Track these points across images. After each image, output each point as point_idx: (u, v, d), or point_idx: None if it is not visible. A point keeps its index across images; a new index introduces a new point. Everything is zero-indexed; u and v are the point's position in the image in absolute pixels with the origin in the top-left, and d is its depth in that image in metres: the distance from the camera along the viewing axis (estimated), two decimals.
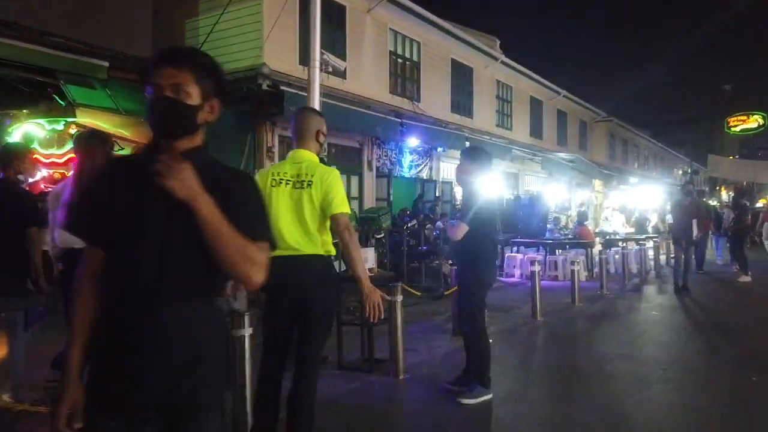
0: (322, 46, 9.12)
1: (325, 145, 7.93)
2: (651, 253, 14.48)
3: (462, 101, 16.90)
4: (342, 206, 3.11)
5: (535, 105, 21.52)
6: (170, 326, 1.59)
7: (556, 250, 12.92)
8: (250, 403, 3.48)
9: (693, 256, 11.42)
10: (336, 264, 3.40)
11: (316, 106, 7.86)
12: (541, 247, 13.30)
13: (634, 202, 21.50)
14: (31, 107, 9.02)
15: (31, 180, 7.31)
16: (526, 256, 12.42)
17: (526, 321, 7.64)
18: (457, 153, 14.14)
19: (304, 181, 3.10)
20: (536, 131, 21.49)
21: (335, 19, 12.40)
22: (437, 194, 14.93)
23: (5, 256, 3.97)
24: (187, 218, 1.57)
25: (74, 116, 8.73)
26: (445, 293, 7.71)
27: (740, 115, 35.72)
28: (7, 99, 8.77)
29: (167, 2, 11.97)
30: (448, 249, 4.58)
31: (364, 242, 9.29)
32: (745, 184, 28.92)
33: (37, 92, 8.87)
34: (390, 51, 14.11)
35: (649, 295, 10.56)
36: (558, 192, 19.54)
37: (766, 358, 5.86)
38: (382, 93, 13.55)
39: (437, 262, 10.24)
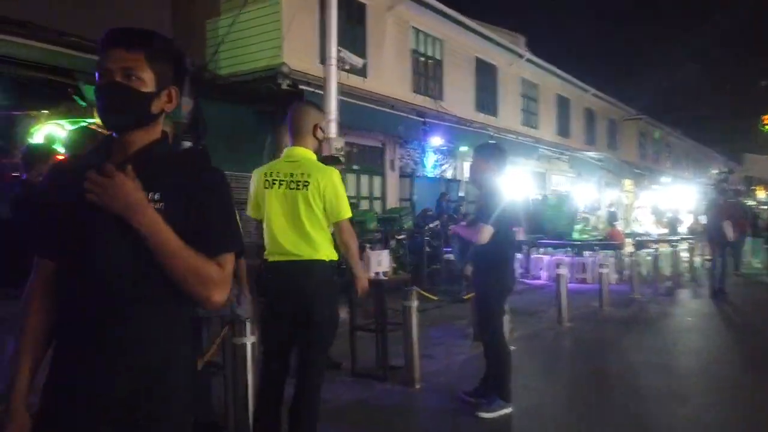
0: (342, 45, 8.96)
1: (343, 147, 7.74)
2: (685, 254, 13.92)
3: (486, 100, 16.59)
4: (345, 212, 2.92)
5: (563, 103, 21.05)
6: (122, 342, 1.40)
7: (585, 252, 12.50)
8: (251, 413, 3.28)
9: (729, 258, 10.89)
10: None
11: (333, 104, 7.69)
12: (568, 249, 12.89)
13: (666, 202, 20.87)
14: (51, 108, 9.01)
15: None
16: (552, 258, 12.03)
17: (552, 326, 7.30)
18: None
19: (299, 181, 2.87)
20: (563, 130, 21.02)
21: (356, 17, 12.23)
22: (461, 194, 14.63)
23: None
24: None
25: (92, 117, 8.69)
26: (464, 297, 7.40)
27: None
28: (27, 100, 8.76)
29: (186, 2, 11.94)
30: (469, 252, 4.26)
31: (385, 243, 9.05)
32: None
33: (57, 93, 8.85)
34: (412, 49, 13.90)
35: (683, 299, 10.10)
36: (587, 192, 19.05)
37: None
38: (405, 92, 13.34)
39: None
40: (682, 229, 16.93)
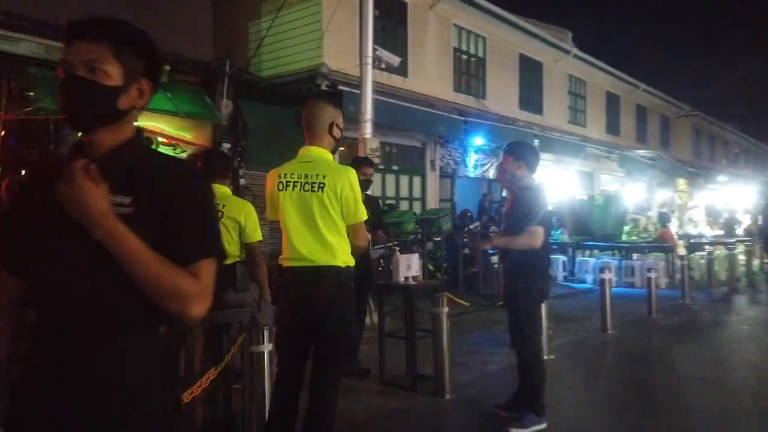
0: (383, 45, 8.87)
1: (378, 148, 7.60)
2: (742, 258, 13.19)
3: (531, 97, 16.19)
4: (361, 215, 2.76)
5: (612, 100, 20.35)
6: (86, 369, 1.29)
7: (633, 254, 12.00)
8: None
9: None
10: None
11: (369, 103, 7.58)
12: (615, 251, 12.41)
13: (723, 203, 19.94)
14: None
15: None
16: (598, 261, 11.59)
17: (594, 334, 6.97)
18: None
19: (315, 183, 2.73)
20: (613, 128, 20.34)
21: (396, 16, 12.11)
22: (504, 194, 14.29)
23: None
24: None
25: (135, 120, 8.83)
26: (498, 304, 7.14)
27: None
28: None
29: (228, 4, 12.04)
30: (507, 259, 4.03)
31: (422, 245, 8.88)
32: None
33: None
34: (454, 47, 13.66)
35: (739, 306, 9.54)
36: (637, 192, 18.38)
37: None
38: (446, 91, 13.13)
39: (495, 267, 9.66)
40: (739, 230, 16.09)
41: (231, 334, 3.49)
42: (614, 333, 6.96)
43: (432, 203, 12.68)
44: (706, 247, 12.79)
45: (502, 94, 14.83)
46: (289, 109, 10.66)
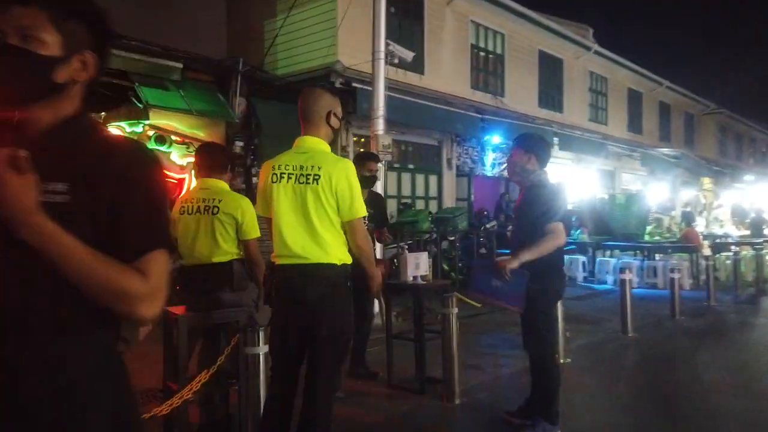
0: (399, 42, 8.71)
1: (391, 144, 7.43)
2: None
3: (551, 95, 15.91)
4: (358, 210, 2.58)
5: (634, 97, 19.93)
6: (19, 374, 1.14)
7: (656, 255, 11.67)
8: None
9: None
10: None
11: (381, 99, 7.43)
12: (637, 251, 12.08)
13: (749, 202, 19.40)
14: (113, 111, 9.21)
15: None
16: (619, 261, 11.28)
17: (614, 336, 6.71)
18: None
19: (310, 174, 2.57)
20: (635, 126, 19.91)
21: (413, 12, 11.96)
22: None
23: None
24: None
25: (147, 118, 8.81)
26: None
27: None
28: (90, 103, 8.95)
29: (242, 2, 11.99)
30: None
31: (436, 244, 8.71)
32: None
33: (118, 96, 9.04)
34: (472, 44, 13.46)
35: (766, 308, 9.19)
36: (660, 191, 17.97)
37: None
38: (464, 88, 12.94)
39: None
40: (767, 230, 15.60)
41: (229, 335, 3.36)
42: (635, 335, 6.70)
43: (448, 202, 12.51)
44: (732, 247, 12.41)
45: (520, 91, 14.58)
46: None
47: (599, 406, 4.45)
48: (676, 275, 8.01)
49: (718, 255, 11.85)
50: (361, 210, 2.61)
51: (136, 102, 8.87)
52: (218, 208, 3.29)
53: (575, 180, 15.53)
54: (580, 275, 11.75)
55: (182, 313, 3.10)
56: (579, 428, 3.87)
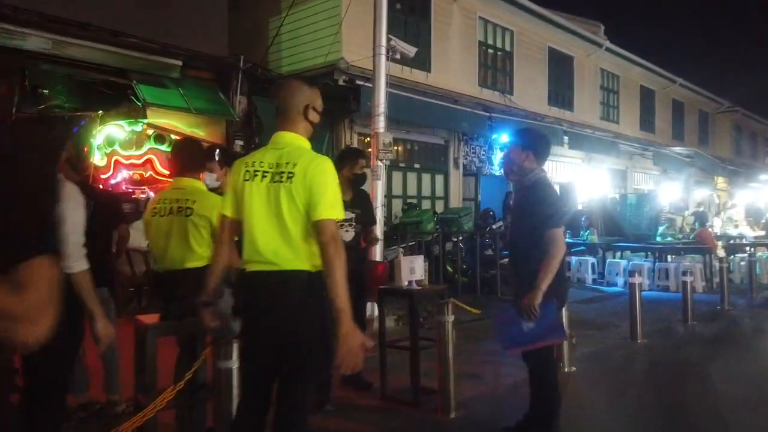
0: (405, 39, 8.50)
1: (391, 143, 7.20)
2: None
3: (561, 93, 15.61)
4: (330, 210, 2.30)
5: (647, 95, 19.55)
6: None
7: (668, 256, 11.34)
8: None
9: None
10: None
11: (382, 96, 7.20)
12: (649, 252, 11.76)
13: (765, 202, 18.98)
14: (113, 109, 9.07)
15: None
16: (630, 263, 10.97)
17: (623, 343, 6.43)
18: (559, 148, 13.07)
19: (284, 172, 2.33)
20: (647, 124, 19.54)
21: (419, 9, 11.74)
22: None
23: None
24: None
25: (145, 117, 8.66)
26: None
27: None
28: (89, 101, 8.82)
29: (251, 3, 11.82)
30: (508, 260, 3.54)
31: (440, 245, 8.47)
32: None
33: (117, 94, 8.90)
34: (479, 41, 13.21)
35: None
36: (672, 191, 17.60)
37: None
38: (471, 86, 12.70)
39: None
40: None
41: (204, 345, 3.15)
42: (645, 342, 6.42)
43: (455, 202, 12.28)
44: (747, 248, 12.06)
45: (529, 89, 14.31)
46: None
47: (604, 420, 4.19)
48: (688, 278, 7.70)
49: (732, 256, 11.53)
50: (333, 210, 2.33)
51: (134, 100, 8.73)
52: (192, 209, 3.08)
53: (586, 179, 15.22)
54: (589, 277, 11.46)
55: (152, 322, 2.89)
56: None
